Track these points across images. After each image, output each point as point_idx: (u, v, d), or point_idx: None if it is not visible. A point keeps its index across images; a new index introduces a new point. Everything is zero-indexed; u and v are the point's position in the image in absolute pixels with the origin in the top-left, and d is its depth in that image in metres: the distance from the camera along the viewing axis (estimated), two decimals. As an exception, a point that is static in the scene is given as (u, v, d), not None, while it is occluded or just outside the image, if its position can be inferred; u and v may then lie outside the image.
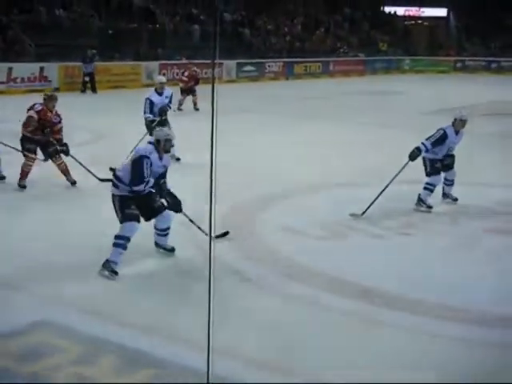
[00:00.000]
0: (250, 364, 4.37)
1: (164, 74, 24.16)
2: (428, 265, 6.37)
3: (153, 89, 10.98)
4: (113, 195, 6.06)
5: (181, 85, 17.25)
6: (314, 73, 32.35)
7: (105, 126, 14.13)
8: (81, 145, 12.23)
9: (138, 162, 5.94)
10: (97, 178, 8.61)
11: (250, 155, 11.43)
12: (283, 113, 18.15)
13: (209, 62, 24.93)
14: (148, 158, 5.96)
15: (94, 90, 21.24)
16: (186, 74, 17.29)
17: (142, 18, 27.14)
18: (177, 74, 25.17)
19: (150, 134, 10.64)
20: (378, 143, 13.02)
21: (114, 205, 6.02)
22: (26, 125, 8.62)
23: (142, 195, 6.00)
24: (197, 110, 16.86)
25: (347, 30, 39.13)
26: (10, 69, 20.64)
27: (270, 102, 21.13)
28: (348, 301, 5.52)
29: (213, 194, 2.17)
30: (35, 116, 8.54)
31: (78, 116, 15.38)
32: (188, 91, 17.05)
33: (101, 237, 6.29)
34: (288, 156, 11.57)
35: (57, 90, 21.46)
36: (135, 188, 5.93)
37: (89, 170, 8.67)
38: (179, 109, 16.71)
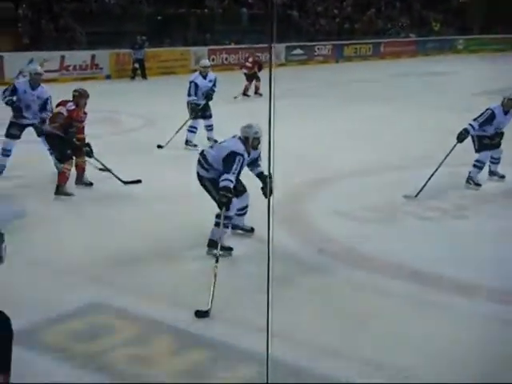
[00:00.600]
0: (307, 347, 4.37)
1: (213, 60, 24.28)
2: (481, 247, 6.28)
3: (197, 72, 11.10)
4: (201, 176, 6.20)
5: (244, 71, 17.39)
6: (364, 55, 31.90)
7: (155, 112, 14.25)
8: (132, 130, 12.41)
9: (231, 159, 5.94)
10: (121, 180, 8.34)
11: (301, 139, 11.38)
12: (333, 96, 17.99)
13: (258, 46, 24.93)
14: (242, 155, 6.00)
15: (144, 76, 21.43)
16: (250, 60, 17.46)
17: (191, 3, 27.18)
18: (225, 59, 25.25)
19: (194, 118, 10.75)
20: (428, 125, 12.83)
21: (205, 185, 6.18)
22: (52, 120, 8.11)
23: None
24: (260, 95, 17.02)
25: (398, 10, 38.45)
26: (63, 57, 20.95)
27: (320, 85, 20.96)
28: (402, 284, 5.50)
29: (271, 178, 2.14)
30: (65, 114, 7.99)
31: (128, 102, 15.60)
32: (252, 77, 17.23)
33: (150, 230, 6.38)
34: (338, 140, 11.48)
35: (108, 77, 21.82)
36: (224, 184, 5.88)
37: (113, 173, 8.36)
38: (246, 94, 17.01)
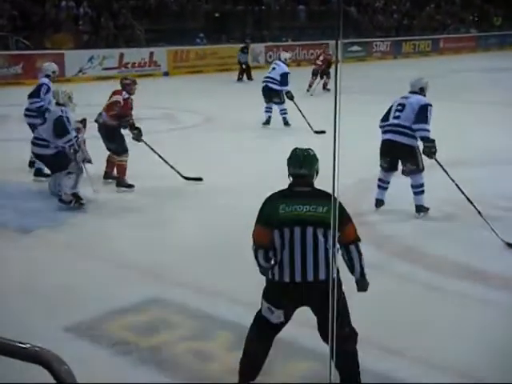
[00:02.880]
0: (366, 346, 4.27)
1: (270, 56, 24.25)
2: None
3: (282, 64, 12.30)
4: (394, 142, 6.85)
5: (314, 67, 17.73)
6: (423, 51, 31.40)
7: (212, 109, 14.27)
8: (193, 127, 12.45)
9: (425, 110, 6.79)
10: (182, 175, 8.32)
11: (356, 136, 11.22)
12: (391, 93, 17.68)
13: (315, 42, 24.78)
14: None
15: (249, 77, 21.21)
16: (321, 58, 17.75)
17: (248, 1, 27.24)
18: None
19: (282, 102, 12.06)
20: (489, 121, 12.50)
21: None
22: (109, 109, 8.04)
23: None
24: (328, 90, 17.35)
25: (459, 5, 37.69)
26: (122, 54, 21.26)
27: (378, 82, 20.66)
28: (457, 282, 5.37)
29: (336, 176, 2.05)
30: (122, 103, 7.98)
31: (189, 99, 15.68)
32: (321, 74, 17.60)
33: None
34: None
35: (166, 74, 22.04)
36: (426, 134, 6.78)
37: (174, 168, 8.31)
38: (309, 90, 17.21)
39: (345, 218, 3.58)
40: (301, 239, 3.53)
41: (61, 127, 7.19)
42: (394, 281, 5.44)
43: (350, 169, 8.10)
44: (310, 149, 3.80)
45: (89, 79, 19.51)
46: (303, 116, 11.30)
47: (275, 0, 28.86)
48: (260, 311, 3.71)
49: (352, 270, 3.65)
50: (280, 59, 12.75)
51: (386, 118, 7.04)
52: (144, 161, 8.36)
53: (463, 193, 6.58)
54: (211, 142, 10.69)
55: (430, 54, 31.25)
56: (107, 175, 8.35)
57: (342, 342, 2.81)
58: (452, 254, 5.91)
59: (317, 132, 10.93)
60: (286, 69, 12.18)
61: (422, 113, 6.69)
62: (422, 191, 6.92)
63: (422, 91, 6.97)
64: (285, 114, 12.16)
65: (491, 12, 38.19)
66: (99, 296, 5.03)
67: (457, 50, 32.44)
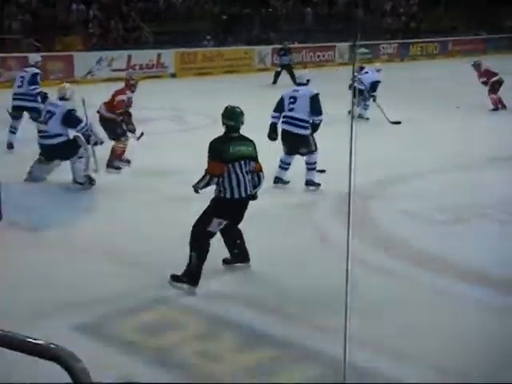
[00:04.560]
0: (383, 351, 4.31)
1: (276, 59, 24.25)
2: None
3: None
4: None
5: None
6: (431, 53, 31.34)
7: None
8: (201, 128, 12.50)
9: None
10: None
11: (367, 138, 11.26)
12: (397, 95, 17.70)
13: (322, 45, 24.79)
14: None
15: (294, 80, 20.78)
16: None
17: (256, 3, 27.30)
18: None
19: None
20: (497, 127, 12.47)
21: None
22: (113, 107, 8.68)
23: None
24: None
25: (467, 7, 37.58)
26: (129, 56, 21.34)
27: (385, 84, 20.64)
28: (471, 287, 5.37)
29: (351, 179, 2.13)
30: (126, 102, 8.72)
31: (196, 100, 15.75)
32: None
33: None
34: (404, 139, 11.31)
35: (173, 75, 22.12)
36: None
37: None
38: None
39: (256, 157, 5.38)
40: (240, 169, 5.20)
41: (74, 118, 7.92)
42: (403, 284, 5.48)
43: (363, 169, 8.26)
44: (238, 107, 5.47)
45: (97, 81, 19.60)
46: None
47: (282, 2, 28.91)
48: (205, 231, 5.14)
49: (255, 187, 5.37)
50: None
51: (278, 109, 7.96)
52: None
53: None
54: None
55: (438, 56, 31.20)
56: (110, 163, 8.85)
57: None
58: (465, 257, 5.94)
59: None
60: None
61: (316, 103, 7.84)
62: (314, 168, 8.01)
63: (308, 82, 8.07)
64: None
65: (501, 14, 38.05)
66: (109, 295, 5.09)
67: (465, 53, 32.37)
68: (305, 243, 6.28)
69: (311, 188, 8.02)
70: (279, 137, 8.04)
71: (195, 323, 4.74)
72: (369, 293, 5.09)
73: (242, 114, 5.46)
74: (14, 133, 10.03)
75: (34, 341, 1.62)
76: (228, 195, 5.22)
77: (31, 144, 8.54)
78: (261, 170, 5.43)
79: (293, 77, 20.94)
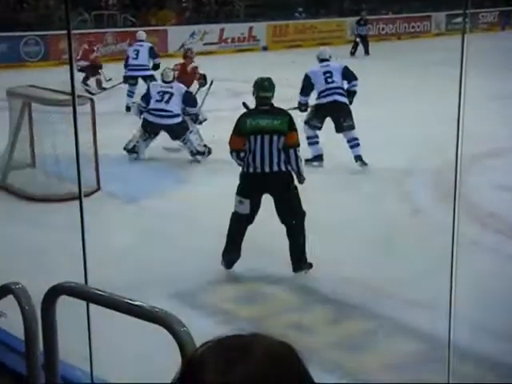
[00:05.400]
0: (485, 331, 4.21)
1: (368, 29, 23.81)
2: None
3: None
4: None
5: None
6: (534, 22, 29.84)
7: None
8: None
9: None
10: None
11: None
12: (493, 66, 16.96)
13: (416, 15, 24.09)
14: None
15: (366, 51, 20.87)
16: None
17: (348, -27, 26.81)
18: (382, 29, 24.64)
19: None
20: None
21: None
22: (188, 78, 9.91)
23: None
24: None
25: None
26: (222, 30, 21.47)
27: (482, 55, 19.82)
28: None
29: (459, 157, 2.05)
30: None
31: (287, 72, 15.61)
32: None
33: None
34: (495, 112, 10.82)
35: (264, 48, 22.10)
36: None
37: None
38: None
39: (292, 126, 5.04)
40: (261, 143, 4.92)
41: (193, 98, 8.57)
42: (500, 260, 5.32)
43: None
44: (269, 78, 5.28)
45: (190, 54, 19.86)
46: None
47: (377, -29, 28.23)
48: (233, 212, 4.98)
49: (292, 167, 4.98)
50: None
51: (306, 92, 8.07)
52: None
53: None
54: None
55: (542, 24, 29.64)
56: None
57: (296, 220, 4.89)
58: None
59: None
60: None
61: (350, 72, 8.12)
62: (358, 144, 7.78)
63: (330, 58, 8.29)
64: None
65: None
66: (201, 266, 5.15)
67: None
68: (397, 217, 6.17)
69: (360, 165, 7.74)
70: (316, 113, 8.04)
71: (286, 295, 4.76)
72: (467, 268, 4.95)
73: (270, 85, 5.23)
74: (131, 96, 11.08)
75: (141, 304, 1.67)
76: (244, 170, 5.03)
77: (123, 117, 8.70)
78: (293, 145, 5.00)
79: (367, 47, 20.70)
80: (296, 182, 5.07)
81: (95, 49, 14.23)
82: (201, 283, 4.93)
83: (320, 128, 8.04)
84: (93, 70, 13.03)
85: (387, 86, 12.63)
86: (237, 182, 4.99)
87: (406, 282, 4.78)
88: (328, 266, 5.10)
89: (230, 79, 10.80)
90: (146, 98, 8.47)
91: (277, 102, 5.30)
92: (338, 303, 4.59)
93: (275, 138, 4.92)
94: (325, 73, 8.03)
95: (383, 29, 24.74)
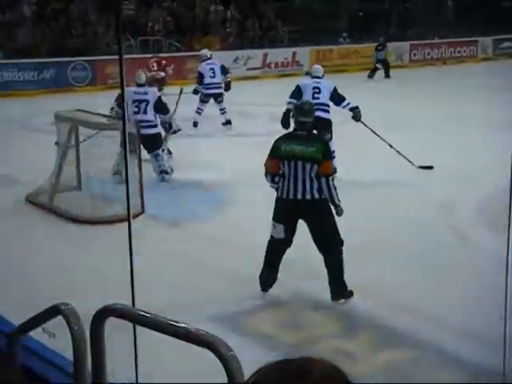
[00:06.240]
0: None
1: (414, 55, 23.78)
2: None
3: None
4: None
5: None
6: None
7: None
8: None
9: None
10: (413, 163, 8.61)
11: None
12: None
13: (463, 39, 23.88)
14: None
15: (387, 75, 20.94)
16: None
17: (393, -2, 26.86)
18: (427, 54, 24.51)
19: None
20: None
21: None
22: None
23: None
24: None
25: None
26: (265, 55, 21.63)
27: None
28: None
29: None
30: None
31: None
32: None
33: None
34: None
35: (307, 73, 22.17)
36: None
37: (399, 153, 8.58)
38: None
39: (327, 154, 4.98)
40: (294, 169, 4.87)
41: (164, 105, 8.35)
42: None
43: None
44: (310, 102, 5.48)
45: (233, 79, 20.01)
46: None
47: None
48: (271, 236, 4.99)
49: (327, 198, 4.88)
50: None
51: (299, 94, 8.38)
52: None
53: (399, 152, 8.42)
54: (363, 139, 9.49)
55: None
56: None
57: (333, 249, 4.83)
58: None
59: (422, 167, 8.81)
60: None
61: (336, 94, 8.58)
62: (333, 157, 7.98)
63: (323, 76, 8.84)
64: None
65: None
66: (243, 288, 5.14)
67: None
68: (447, 245, 6.07)
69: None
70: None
71: (330, 321, 4.71)
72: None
73: (309, 111, 5.17)
74: (200, 114, 11.72)
75: (187, 327, 1.66)
76: (278, 195, 5.01)
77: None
78: (327, 174, 4.87)
79: (387, 71, 20.66)
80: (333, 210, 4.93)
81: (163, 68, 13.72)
82: (241, 307, 4.91)
83: None
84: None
85: (426, 111, 12.55)
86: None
87: (454, 310, 4.70)
88: (371, 292, 5.04)
89: (271, 104, 10.82)
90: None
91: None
92: (382, 329, 4.52)
93: (308, 165, 4.85)
94: (314, 88, 8.54)
95: (428, 53, 24.62)
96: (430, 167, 8.71)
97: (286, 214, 4.94)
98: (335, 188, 4.91)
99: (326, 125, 8.41)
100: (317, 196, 4.86)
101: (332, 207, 4.91)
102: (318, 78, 8.79)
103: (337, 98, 8.62)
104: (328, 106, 8.53)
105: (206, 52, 12.52)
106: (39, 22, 18.53)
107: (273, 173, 4.99)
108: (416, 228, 6.40)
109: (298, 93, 8.53)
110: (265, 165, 5.08)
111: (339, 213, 4.92)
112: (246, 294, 5.08)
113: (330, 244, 4.88)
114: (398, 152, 8.55)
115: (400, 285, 5.14)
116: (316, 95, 8.48)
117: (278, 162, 4.95)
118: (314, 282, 5.22)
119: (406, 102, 14.41)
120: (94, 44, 19.10)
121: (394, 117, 12.21)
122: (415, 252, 5.80)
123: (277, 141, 5.08)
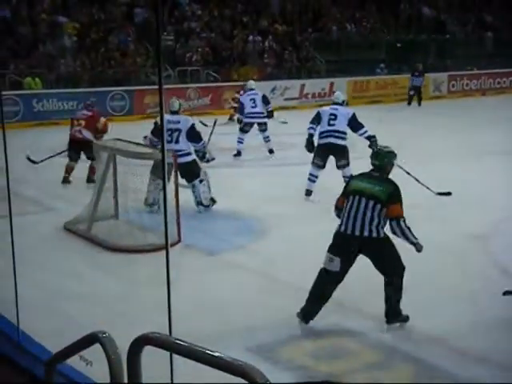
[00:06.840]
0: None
1: (453, 86, 23.68)
2: None
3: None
4: None
5: None
6: None
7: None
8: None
9: None
10: (432, 190, 8.63)
11: None
12: None
13: (503, 71, 23.73)
14: None
15: (419, 103, 21.10)
16: None
17: (432, 29, 26.77)
18: (466, 85, 24.36)
19: None
20: None
21: None
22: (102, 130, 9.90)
23: None
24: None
25: None
26: (303, 85, 21.75)
27: None
28: None
29: None
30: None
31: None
32: None
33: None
34: None
35: (345, 103, 22.20)
36: None
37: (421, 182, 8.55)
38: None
39: (395, 197, 4.87)
40: (357, 204, 4.88)
41: (197, 134, 8.28)
42: None
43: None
44: (382, 149, 5.22)
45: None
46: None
47: (460, 28, 28.07)
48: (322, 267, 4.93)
49: (404, 239, 4.88)
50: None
51: (318, 119, 8.78)
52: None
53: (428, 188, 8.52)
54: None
55: None
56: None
57: (394, 275, 4.84)
58: None
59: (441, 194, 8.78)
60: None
61: (355, 120, 8.82)
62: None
63: (343, 103, 9.21)
64: None
65: None
66: (279, 319, 5.12)
67: None
68: (483, 276, 5.97)
69: None
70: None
71: (367, 352, 4.65)
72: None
73: (379, 155, 5.15)
74: (242, 143, 12.02)
75: (224, 357, 1.67)
76: (337, 228, 5.02)
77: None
78: (394, 217, 4.83)
79: (420, 99, 20.56)
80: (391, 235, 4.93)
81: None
82: (279, 337, 4.88)
83: (323, 167, 8.82)
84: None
85: (464, 143, 12.47)
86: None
87: (496, 346, 4.61)
88: (409, 322, 4.99)
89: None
90: (157, 134, 8.22)
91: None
92: (420, 362, 4.45)
93: (371, 203, 4.84)
94: (330, 114, 8.77)
95: (467, 84, 24.48)
96: (449, 193, 8.67)
97: (343, 247, 4.93)
98: (408, 228, 4.86)
99: (340, 151, 8.73)
100: (374, 234, 4.84)
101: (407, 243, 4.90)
102: (338, 104, 9.01)
103: (354, 125, 8.83)
104: (344, 133, 8.74)
105: (252, 83, 12.74)
106: (79, 53, 18.97)
107: (340, 207, 5.08)
108: (452, 259, 6.35)
109: (317, 118, 8.85)
110: (337, 199, 5.18)
111: (419, 250, 4.91)
112: (285, 324, 5.04)
113: (391, 271, 4.93)
114: (419, 182, 8.50)
115: (437, 315, 5.08)
116: (332, 122, 8.73)
117: (344, 196, 5.08)
118: (351, 311, 5.23)
119: (440, 133, 14.42)
120: (133, 74, 19.47)
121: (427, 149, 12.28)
122: (453, 282, 5.72)
123: (351, 177, 5.37)
